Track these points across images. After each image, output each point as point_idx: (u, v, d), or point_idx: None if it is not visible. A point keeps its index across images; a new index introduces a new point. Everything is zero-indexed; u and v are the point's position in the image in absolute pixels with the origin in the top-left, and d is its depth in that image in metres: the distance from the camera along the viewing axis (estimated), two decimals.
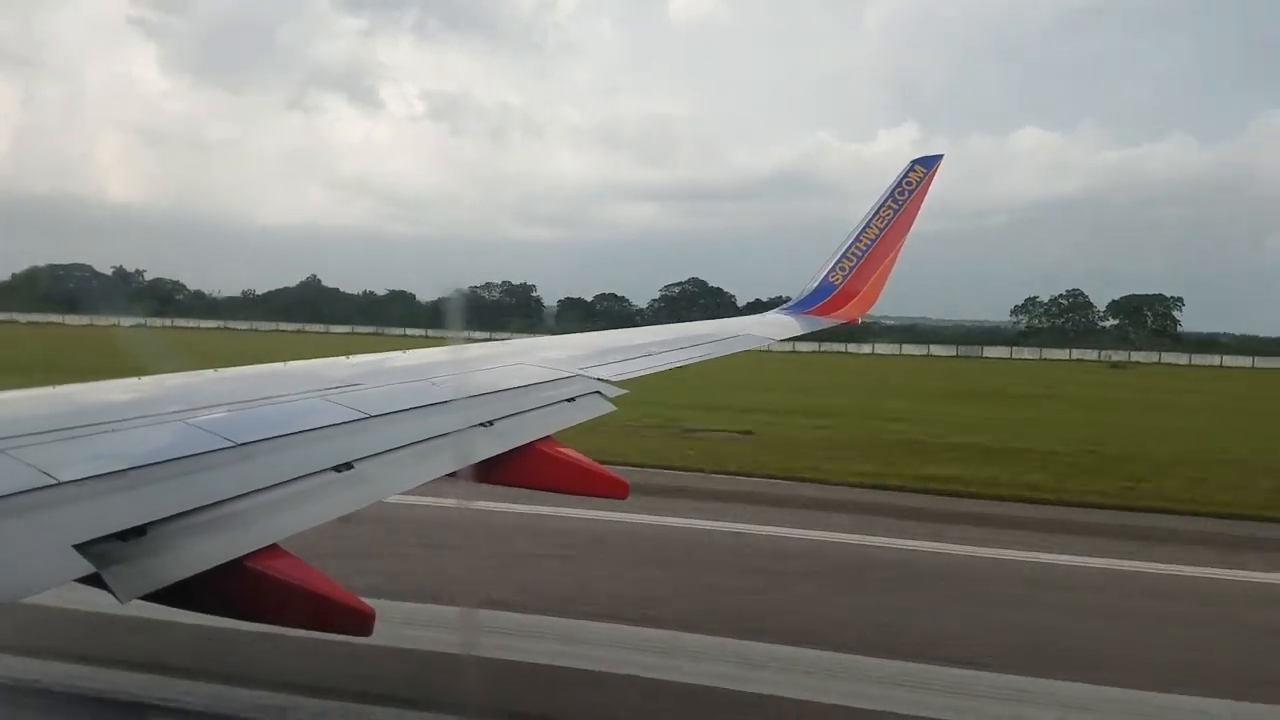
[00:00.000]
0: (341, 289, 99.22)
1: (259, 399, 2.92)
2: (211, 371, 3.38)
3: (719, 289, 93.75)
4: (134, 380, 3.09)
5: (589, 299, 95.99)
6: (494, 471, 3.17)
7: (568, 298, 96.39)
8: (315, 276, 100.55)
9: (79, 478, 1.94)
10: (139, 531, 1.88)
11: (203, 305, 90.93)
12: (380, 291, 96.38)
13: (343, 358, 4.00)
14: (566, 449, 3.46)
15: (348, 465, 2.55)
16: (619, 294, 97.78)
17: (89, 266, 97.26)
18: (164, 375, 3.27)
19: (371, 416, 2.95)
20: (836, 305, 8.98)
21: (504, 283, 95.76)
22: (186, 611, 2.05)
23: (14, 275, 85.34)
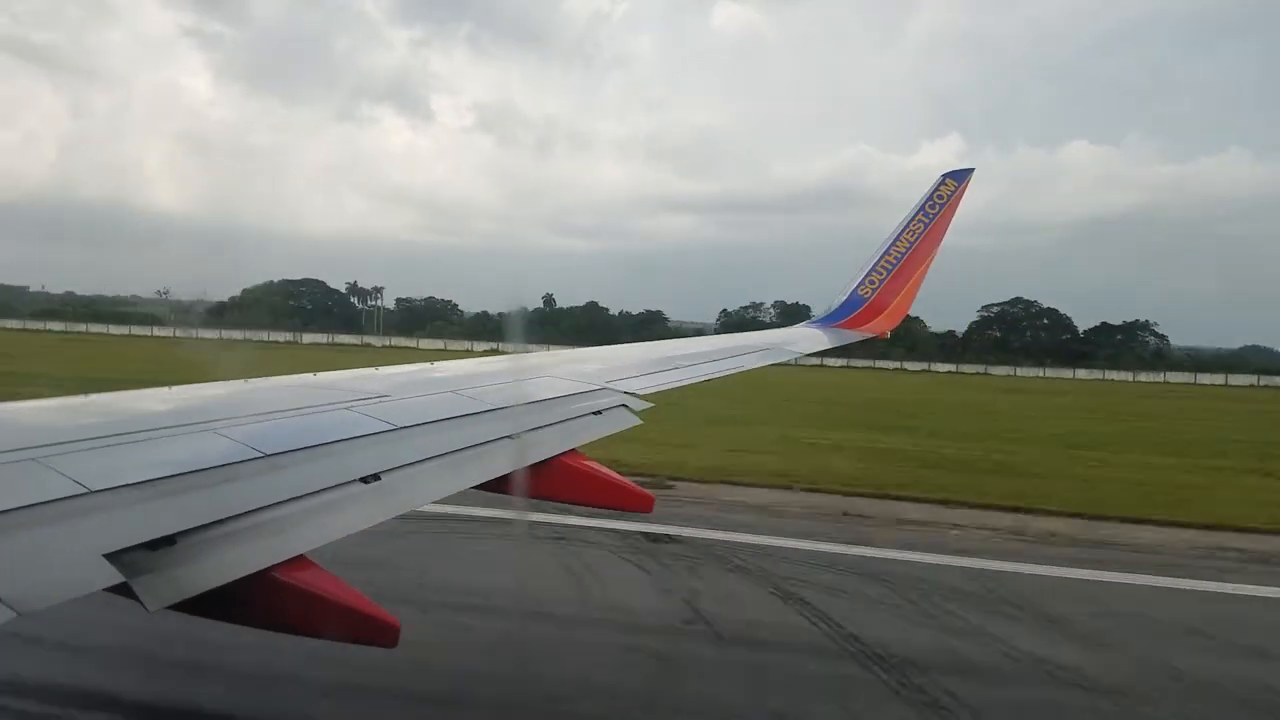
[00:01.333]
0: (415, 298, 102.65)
1: (289, 410, 2.94)
2: (242, 382, 3.41)
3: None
4: (166, 390, 3.13)
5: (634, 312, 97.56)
6: (520, 483, 3.16)
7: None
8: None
9: (110, 486, 1.96)
10: (168, 541, 1.89)
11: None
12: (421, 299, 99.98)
13: (372, 369, 4.03)
14: (591, 462, 3.44)
15: (375, 477, 2.54)
16: (653, 308, 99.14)
17: (321, 282, 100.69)
18: (195, 385, 3.31)
19: (399, 428, 2.95)
20: (866, 319, 8.89)
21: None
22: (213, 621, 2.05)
23: (244, 291, 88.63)
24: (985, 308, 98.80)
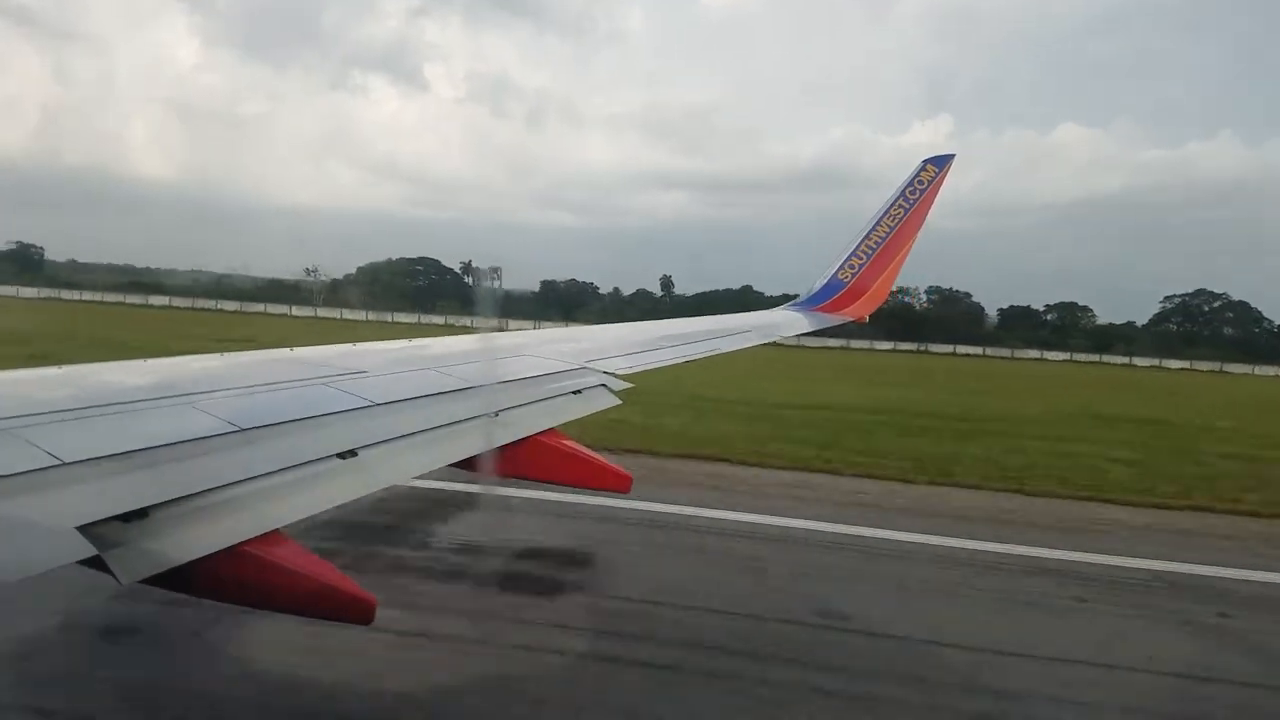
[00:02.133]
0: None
1: (265, 384, 2.92)
2: (218, 356, 3.38)
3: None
4: (140, 362, 3.09)
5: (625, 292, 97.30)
6: (497, 462, 3.17)
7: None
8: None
9: (83, 459, 1.94)
10: (141, 514, 1.88)
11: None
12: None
13: (350, 345, 4.01)
14: (570, 441, 3.46)
15: (351, 453, 2.54)
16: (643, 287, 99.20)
17: (435, 260, 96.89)
18: (171, 358, 3.28)
19: (376, 404, 2.94)
20: (845, 303, 8.98)
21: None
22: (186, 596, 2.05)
23: (359, 269, 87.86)
24: (1167, 298, 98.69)
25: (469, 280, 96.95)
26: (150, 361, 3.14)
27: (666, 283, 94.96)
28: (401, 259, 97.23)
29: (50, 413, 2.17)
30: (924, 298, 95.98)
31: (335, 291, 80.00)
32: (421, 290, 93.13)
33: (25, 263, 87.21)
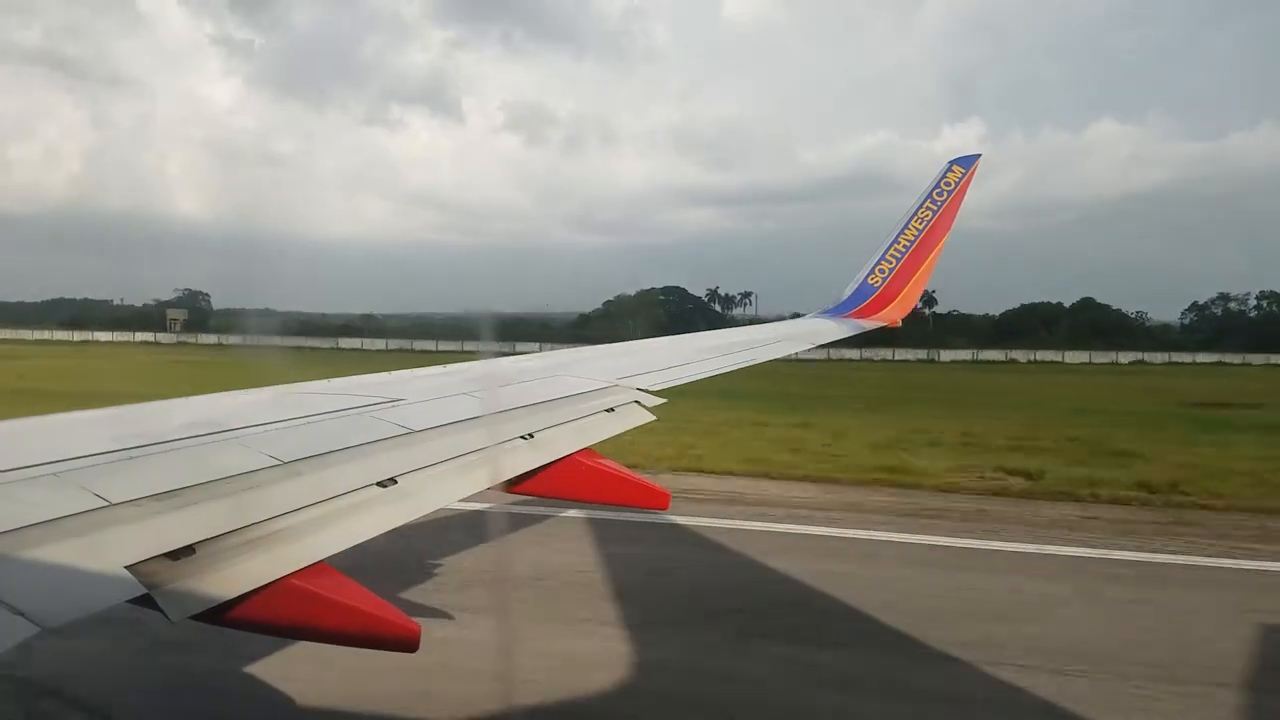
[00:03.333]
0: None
1: (305, 416, 2.95)
2: (259, 391, 3.43)
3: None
4: (183, 400, 3.15)
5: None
6: (534, 483, 3.16)
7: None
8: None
9: (129, 499, 1.97)
10: (188, 551, 1.90)
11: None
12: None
13: (387, 374, 4.04)
14: (606, 460, 3.44)
15: (391, 480, 2.55)
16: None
17: (681, 289, 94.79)
18: (212, 395, 3.33)
19: (415, 431, 2.95)
20: (876, 308, 8.87)
21: None
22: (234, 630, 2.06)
23: (606, 302, 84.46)
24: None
25: (716, 306, 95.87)
26: (193, 399, 3.19)
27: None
28: (650, 290, 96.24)
29: (96, 454, 2.21)
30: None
31: (583, 325, 77.59)
32: (674, 318, 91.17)
33: (193, 310, 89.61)
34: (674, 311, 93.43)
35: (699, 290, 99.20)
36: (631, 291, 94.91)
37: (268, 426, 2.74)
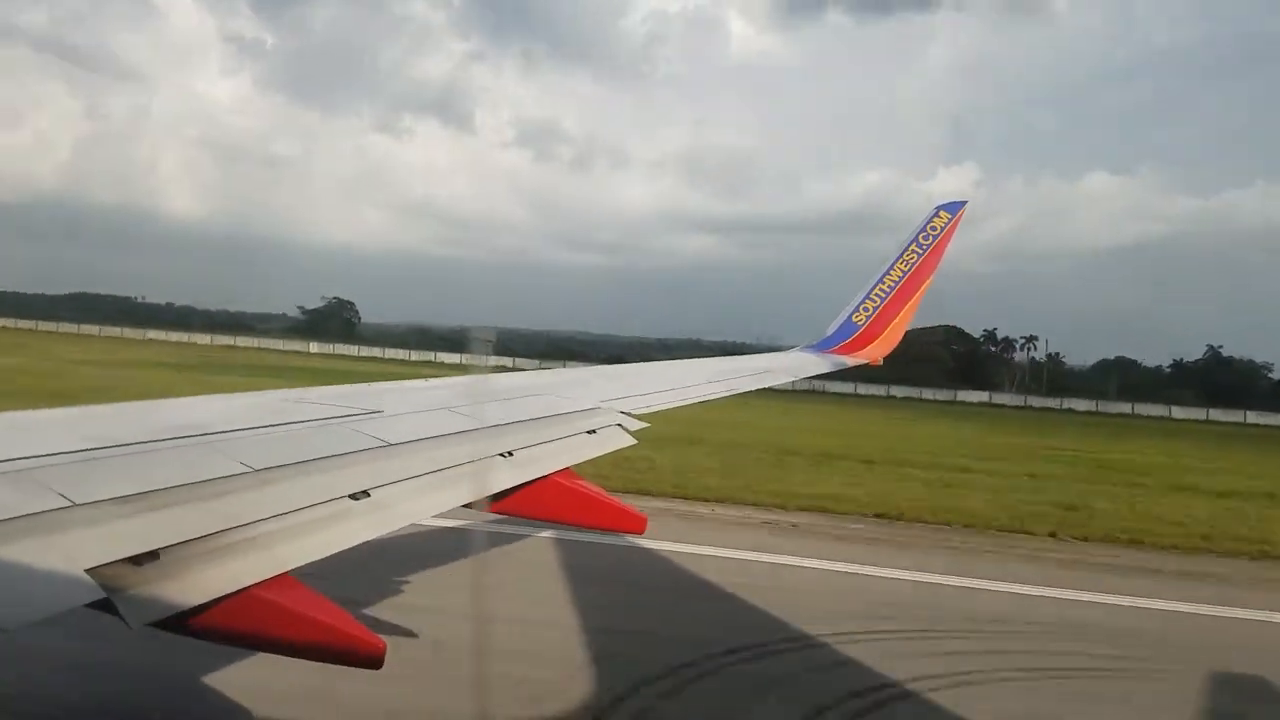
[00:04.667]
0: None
1: (280, 425, 2.90)
2: (235, 396, 3.37)
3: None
4: (155, 403, 3.09)
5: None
6: (511, 502, 3.12)
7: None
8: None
9: (94, 500, 1.92)
10: (152, 556, 1.85)
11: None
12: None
13: (365, 385, 4.00)
14: (584, 482, 3.41)
15: (365, 493, 2.51)
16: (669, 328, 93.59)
17: (955, 328, 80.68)
18: (185, 399, 3.27)
19: (391, 444, 2.91)
20: (859, 345, 8.97)
21: None
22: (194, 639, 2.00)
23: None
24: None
25: (993, 349, 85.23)
26: (166, 402, 3.13)
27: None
28: (920, 329, 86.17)
29: (63, 453, 2.15)
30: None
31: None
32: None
33: (340, 321, 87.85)
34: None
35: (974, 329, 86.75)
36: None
37: (242, 432, 2.70)
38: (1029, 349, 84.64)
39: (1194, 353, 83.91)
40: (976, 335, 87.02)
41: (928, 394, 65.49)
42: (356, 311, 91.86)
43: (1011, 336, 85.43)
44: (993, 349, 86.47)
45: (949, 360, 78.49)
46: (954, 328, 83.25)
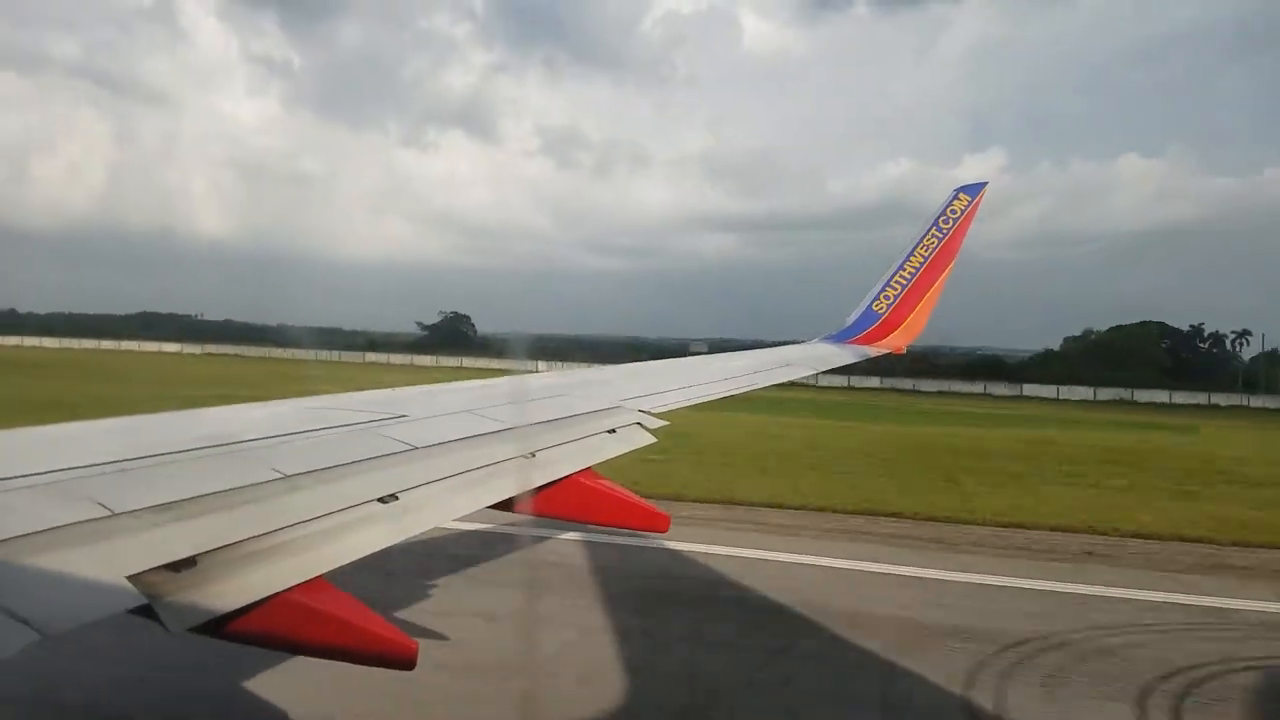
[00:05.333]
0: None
1: (309, 431, 2.97)
2: (265, 405, 3.45)
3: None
4: (189, 413, 3.17)
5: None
6: (535, 502, 3.16)
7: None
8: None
9: (133, 509, 1.98)
10: (190, 563, 1.91)
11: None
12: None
13: (390, 390, 4.06)
14: (607, 481, 3.44)
15: (393, 497, 2.56)
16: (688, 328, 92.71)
17: (1159, 323, 74.09)
18: (217, 408, 3.35)
19: (417, 448, 2.97)
20: (881, 334, 8.87)
21: None
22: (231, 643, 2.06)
23: (1067, 340, 72.77)
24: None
25: (1203, 345, 78.02)
26: (199, 412, 3.21)
27: None
28: (1130, 325, 77.34)
29: (102, 464, 2.23)
30: None
31: (1046, 365, 68.56)
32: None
33: (455, 335, 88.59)
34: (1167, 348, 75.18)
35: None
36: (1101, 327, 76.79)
37: (272, 440, 2.76)
38: (1240, 344, 77.10)
39: None
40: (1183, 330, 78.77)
41: (1141, 396, 58.06)
42: (472, 325, 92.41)
43: (1221, 331, 77.94)
44: (1201, 345, 78.40)
45: (1165, 359, 72.11)
46: (1162, 324, 77.28)
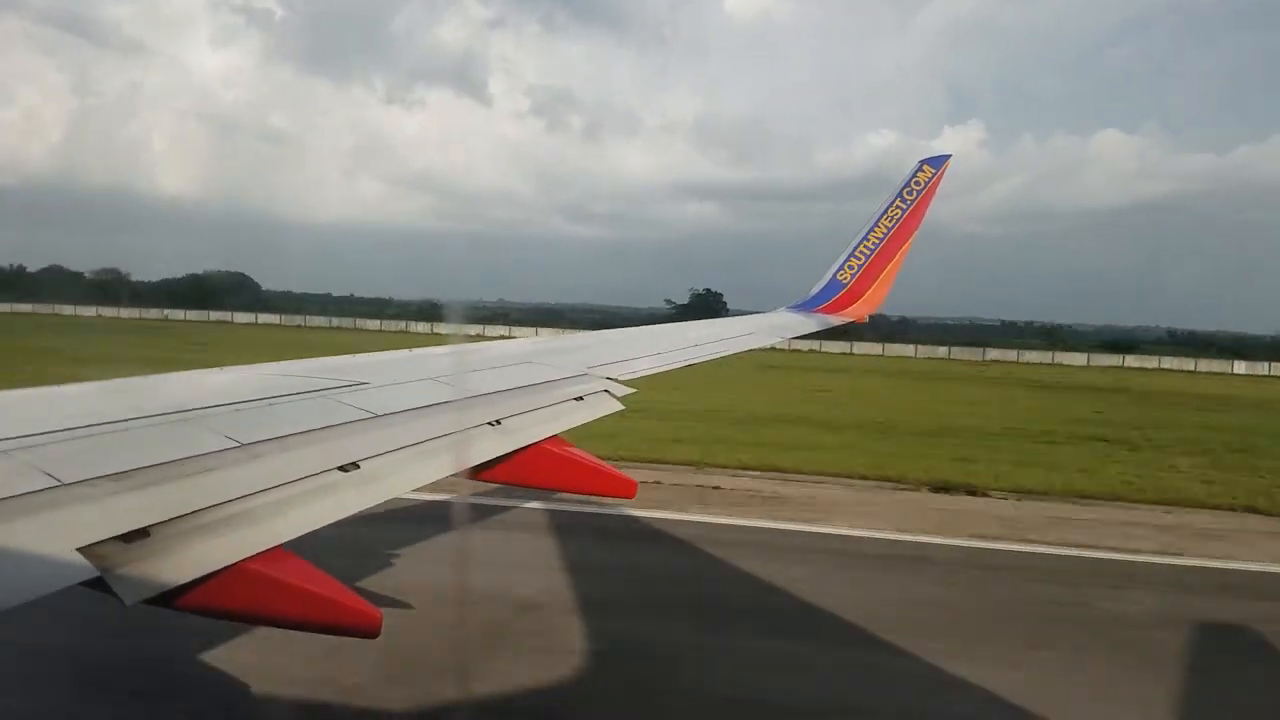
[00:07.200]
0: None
1: (267, 399, 2.90)
2: (219, 371, 3.36)
3: None
4: (139, 379, 3.07)
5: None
6: (501, 470, 3.14)
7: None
8: None
9: (83, 479, 1.92)
10: (143, 533, 1.85)
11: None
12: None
13: (351, 356, 3.98)
14: (574, 448, 3.43)
15: (354, 465, 2.52)
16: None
17: None
18: (170, 374, 3.25)
19: (378, 415, 2.92)
20: (845, 304, 8.99)
21: None
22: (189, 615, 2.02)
23: None
24: None
25: None
26: (152, 378, 3.11)
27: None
28: None
29: (50, 432, 2.15)
30: None
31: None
32: None
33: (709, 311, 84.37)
34: None
35: None
36: None
37: (228, 408, 2.69)
38: None
39: None
40: None
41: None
42: (724, 302, 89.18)
43: None
44: None
45: None
46: None
